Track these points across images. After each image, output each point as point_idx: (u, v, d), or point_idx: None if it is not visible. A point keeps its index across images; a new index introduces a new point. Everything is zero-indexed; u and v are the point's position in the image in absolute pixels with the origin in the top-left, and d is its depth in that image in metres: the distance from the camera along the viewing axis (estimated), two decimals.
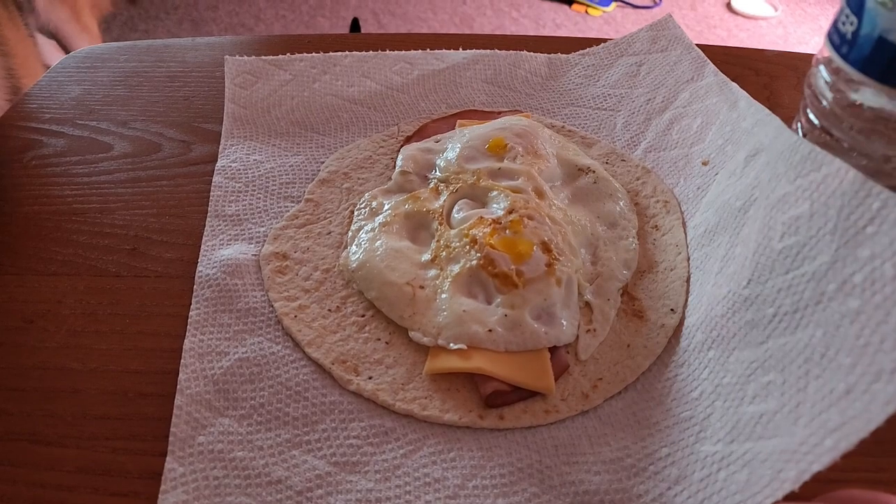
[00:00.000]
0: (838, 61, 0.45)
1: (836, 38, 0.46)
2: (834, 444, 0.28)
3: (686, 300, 0.45)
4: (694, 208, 0.51)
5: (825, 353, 0.32)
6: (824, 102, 0.48)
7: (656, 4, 2.59)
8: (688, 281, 0.46)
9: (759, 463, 0.32)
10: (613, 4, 2.55)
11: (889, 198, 0.32)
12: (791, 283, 0.35)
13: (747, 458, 0.33)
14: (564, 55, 0.69)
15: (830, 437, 0.29)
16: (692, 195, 0.52)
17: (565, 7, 2.53)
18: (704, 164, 0.52)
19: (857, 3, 0.43)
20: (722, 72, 0.58)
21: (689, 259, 0.48)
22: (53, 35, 1.23)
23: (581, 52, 0.69)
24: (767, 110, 0.46)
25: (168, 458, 0.36)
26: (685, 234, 0.50)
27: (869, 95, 0.45)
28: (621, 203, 0.53)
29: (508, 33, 2.35)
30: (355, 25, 1.85)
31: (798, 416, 0.31)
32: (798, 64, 0.71)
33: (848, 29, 0.44)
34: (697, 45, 0.65)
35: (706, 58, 0.61)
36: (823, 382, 0.31)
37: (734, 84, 0.55)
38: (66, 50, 1.25)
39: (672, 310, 0.45)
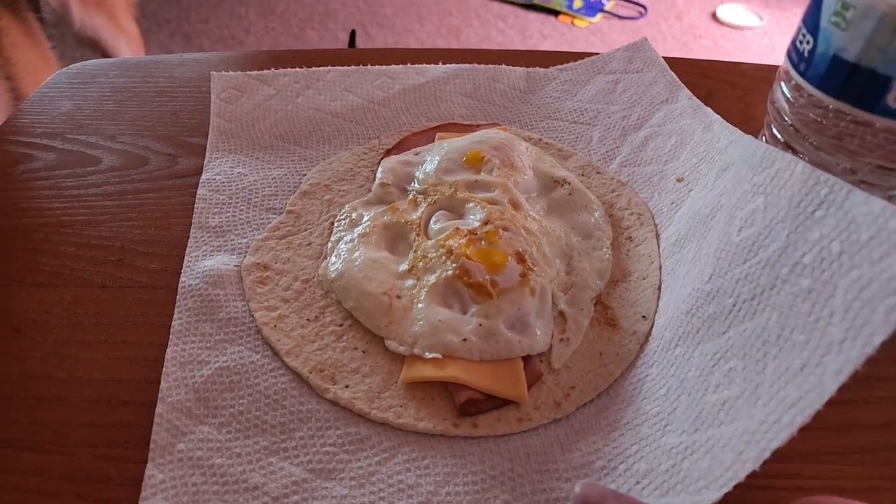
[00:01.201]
0: (797, 78, 0.47)
1: (795, 56, 0.47)
2: (791, 419, 0.30)
3: (657, 307, 0.47)
4: (668, 221, 0.52)
5: (781, 334, 0.34)
6: (786, 118, 0.50)
7: (642, 15, 2.62)
8: (659, 288, 0.48)
9: (720, 448, 0.33)
10: (599, 15, 2.57)
11: (836, 184, 0.34)
12: (748, 271, 0.37)
13: (709, 444, 0.34)
14: (543, 69, 0.70)
15: (787, 413, 0.30)
16: (666, 209, 0.53)
17: (552, 18, 2.56)
18: (679, 180, 0.53)
19: (813, 22, 0.45)
20: (698, 85, 0.60)
21: (661, 268, 0.49)
22: (93, 42, 1.21)
23: (559, 66, 0.70)
24: (740, 132, 0.48)
25: (148, 465, 0.37)
26: (658, 245, 0.51)
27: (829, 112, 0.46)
28: (596, 214, 0.54)
29: (495, 44, 2.37)
30: (353, 38, 1.90)
31: (757, 397, 0.33)
32: (772, 76, 0.72)
33: (805, 47, 0.46)
34: (681, 56, 0.67)
35: (680, 82, 0.64)
36: (780, 362, 0.33)
37: (708, 108, 0.57)
38: (109, 55, 1.22)
39: (643, 317, 0.46)
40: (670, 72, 0.65)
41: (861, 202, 0.33)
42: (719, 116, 0.54)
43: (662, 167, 0.57)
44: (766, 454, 0.30)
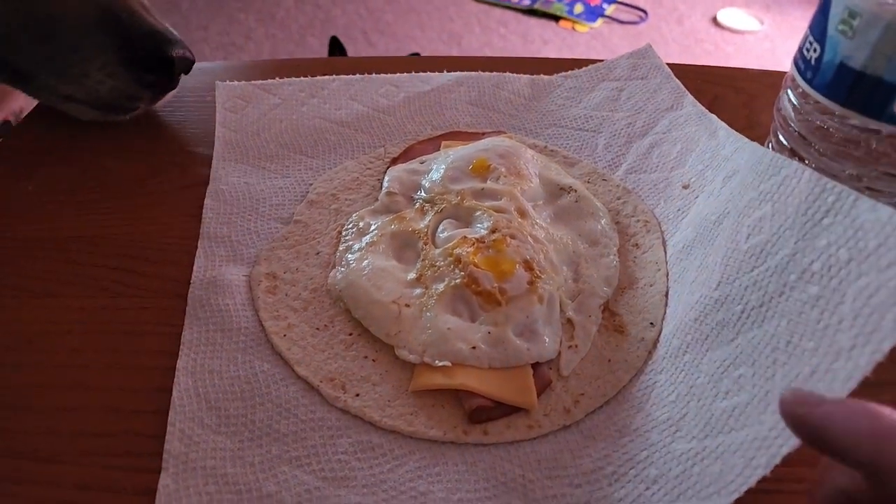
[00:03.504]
0: (804, 86, 0.47)
1: (802, 63, 0.48)
2: None
3: (665, 313, 0.47)
4: (674, 228, 0.52)
5: (790, 341, 0.34)
6: (792, 125, 0.50)
7: (643, 20, 2.62)
8: (667, 295, 0.48)
9: (731, 454, 0.33)
10: (600, 20, 2.58)
11: (843, 191, 0.34)
12: (756, 278, 0.38)
13: (720, 450, 0.34)
14: (547, 77, 0.71)
15: None
16: (672, 216, 0.53)
17: (552, 23, 2.56)
18: (685, 187, 0.54)
19: (820, 30, 0.45)
20: (703, 90, 0.61)
21: (668, 275, 0.49)
22: None
23: (564, 74, 0.71)
24: (745, 138, 0.48)
25: (162, 475, 0.37)
26: (665, 252, 0.51)
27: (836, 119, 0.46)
28: (602, 221, 0.54)
29: (496, 50, 2.38)
30: (335, 44, 1.77)
31: (767, 403, 0.33)
32: (777, 82, 0.72)
33: (812, 55, 0.46)
34: (682, 62, 0.67)
35: (685, 89, 0.64)
36: (790, 368, 0.33)
37: (713, 115, 0.57)
38: None
39: (651, 324, 0.46)
40: (674, 79, 0.66)
41: (868, 209, 0.33)
42: (724, 123, 0.54)
43: (668, 174, 0.57)
44: (777, 460, 0.31)
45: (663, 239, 0.52)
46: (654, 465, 0.37)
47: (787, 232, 0.37)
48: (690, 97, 0.62)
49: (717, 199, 0.47)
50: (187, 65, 0.62)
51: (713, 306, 0.40)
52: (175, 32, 0.62)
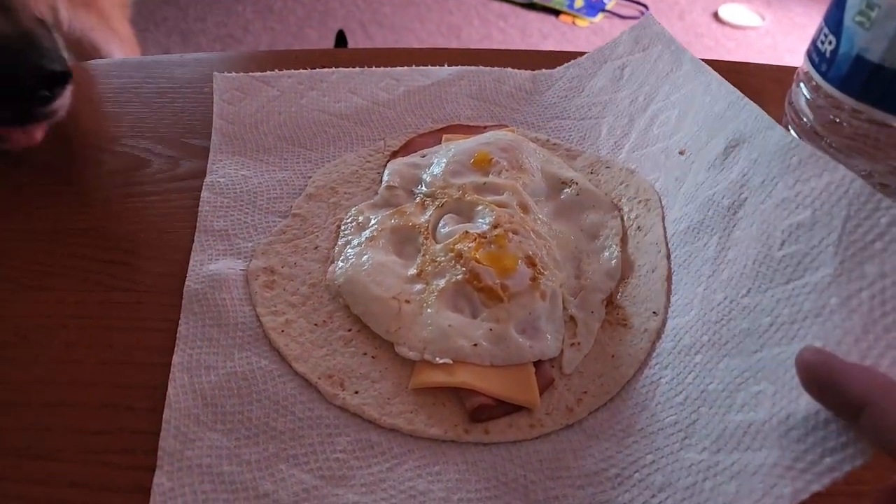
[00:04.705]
0: (818, 79, 0.46)
1: (816, 56, 0.47)
2: (835, 464, 0.28)
3: (667, 301, 0.46)
4: (673, 200, 0.51)
5: None
6: (805, 119, 0.49)
7: (643, 15, 2.61)
8: (668, 279, 0.47)
9: (749, 476, 0.31)
10: (601, 15, 2.57)
11: None
12: (791, 293, 0.35)
13: (735, 469, 0.33)
14: (549, 70, 0.70)
15: (831, 456, 0.28)
16: (671, 187, 0.52)
17: (552, 17, 2.55)
18: (681, 153, 0.52)
19: (836, 22, 0.44)
20: None
21: (668, 256, 0.48)
22: (79, 44, 1.19)
23: (566, 64, 0.70)
24: (738, 91, 0.46)
25: (157, 473, 0.37)
26: (664, 228, 0.50)
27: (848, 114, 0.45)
28: (604, 213, 0.53)
29: (495, 43, 2.36)
30: (341, 38, 1.80)
31: (789, 427, 0.31)
32: (782, 76, 0.71)
33: (827, 48, 0.45)
34: None
35: (684, 48, 0.60)
36: None
37: (707, 67, 0.54)
38: (97, 58, 1.20)
39: (654, 312, 0.45)
40: (676, 41, 0.62)
41: None
42: (717, 74, 0.51)
43: (668, 142, 0.55)
44: (804, 496, 0.29)
45: (663, 214, 0.51)
46: (660, 471, 0.36)
47: (831, 248, 0.34)
48: (689, 54, 0.59)
49: (722, 175, 0.44)
50: (48, 80, 0.50)
51: (740, 312, 0.38)
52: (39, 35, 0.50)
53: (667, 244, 0.49)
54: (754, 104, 0.43)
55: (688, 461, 0.36)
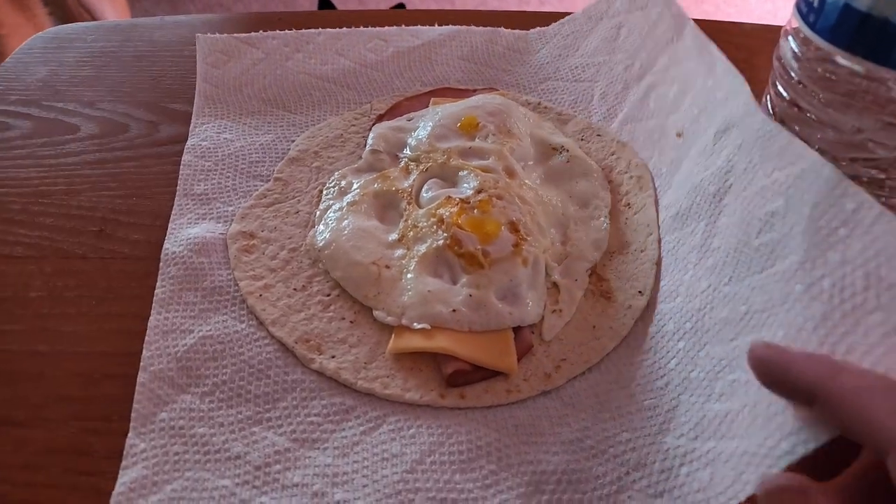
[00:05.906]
0: (806, 31, 0.45)
1: (804, 6, 0.45)
2: (790, 447, 0.28)
3: (655, 283, 0.45)
4: (667, 184, 0.50)
5: None
6: (793, 74, 0.48)
7: None
8: (657, 263, 0.46)
9: (722, 463, 0.31)
10: None
11: (865, 201, 0.30)
12: (764, 281, 0.34)
13: (710, 456, 0.33)
14: (543, 28, 0.68)
15: (787, 440, 0.28)
16: (666, 169, 0.50)
17: None
18: (679, 136, 0.50)
19: None
20: None
21: (659, 241, 0.47)
22: (73, 6, 1.19)
23: (560, 21, 0.68)
24: (742, 78, 0.44)
25: (130, 435, 0.37)
26: (657, 212, 0.49)
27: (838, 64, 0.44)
28: (594, 182, 0.52)
29: (491, 6, 2.32)
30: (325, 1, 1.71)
31: (756, 415, 0.31)
32: (777, 37, 0.70)
33: None
34: None
35: (686, 15, 0.56)
36: None
37: (713, 45, 0.51)
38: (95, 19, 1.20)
39: (640, 292, 0.45)
40: (676, 3, 0.58)
41: (893, 231, 0.29)
42: (722, 55, 0.48)
43: (664, 121, 0.53)
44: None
45: (656, 197, 0.50)
46: (636, 451, 0.36)
47: (800, 236, 0.33)
48: (692, 24, 0.55)
49: (710, 161, 0.43)
50: None
51: (721, 300, 0.38)
52: None
53: (659, 228, 0.48)
54: (750, 93, 0.41)
55: (665, 445, 0.36)
